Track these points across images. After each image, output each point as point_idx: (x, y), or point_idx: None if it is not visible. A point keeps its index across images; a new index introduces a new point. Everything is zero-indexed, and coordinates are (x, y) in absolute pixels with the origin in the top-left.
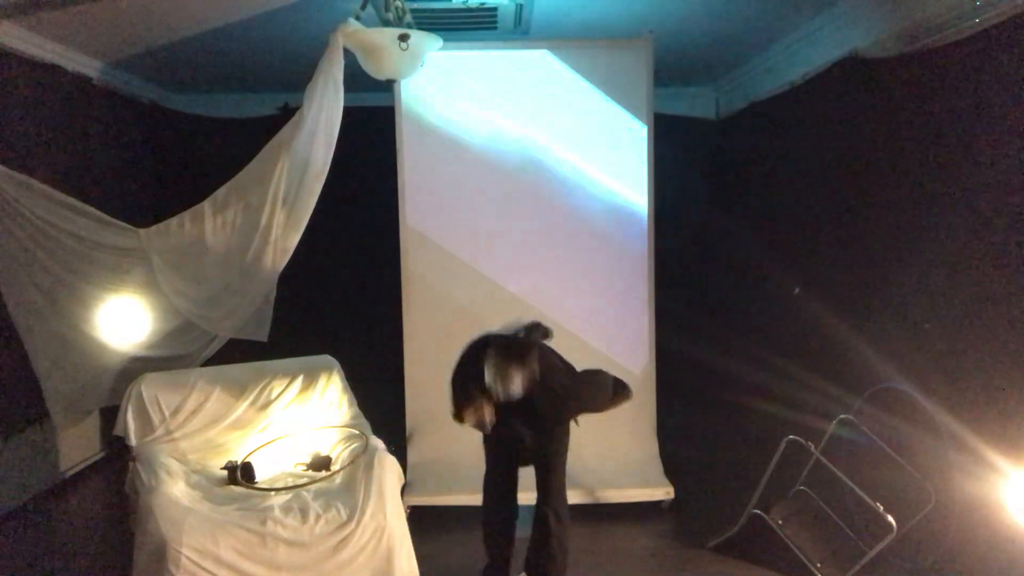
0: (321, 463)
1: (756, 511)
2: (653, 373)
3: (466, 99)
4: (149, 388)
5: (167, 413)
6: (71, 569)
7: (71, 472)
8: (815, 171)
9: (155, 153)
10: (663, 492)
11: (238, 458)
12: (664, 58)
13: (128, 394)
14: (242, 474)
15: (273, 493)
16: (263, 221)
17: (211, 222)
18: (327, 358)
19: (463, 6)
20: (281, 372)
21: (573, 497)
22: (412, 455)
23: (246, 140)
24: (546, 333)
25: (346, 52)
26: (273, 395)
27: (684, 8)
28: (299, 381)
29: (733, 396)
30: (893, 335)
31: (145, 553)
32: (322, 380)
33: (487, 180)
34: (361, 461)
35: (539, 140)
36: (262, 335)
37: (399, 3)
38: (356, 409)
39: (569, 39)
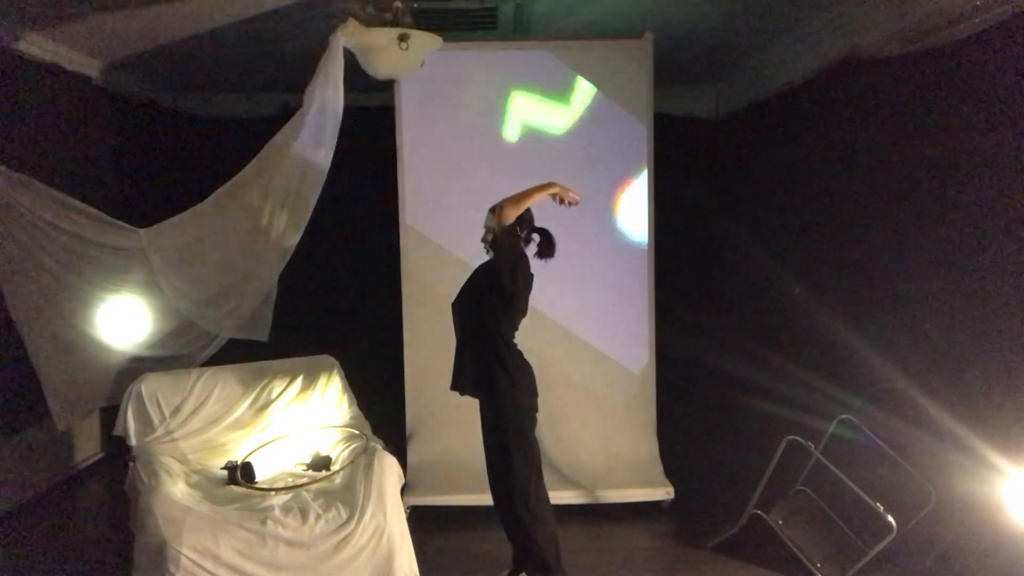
0: (321, 463)
1: (756, 511)
2: (653, 373)
3: (466, 99)
4: (149, 388)
5: (167, 413)
6: (71, 569)
7: (71, 472)
8: (815, 171)
9: (155, 153)
10: (663, 492)
11: (238, 458)
12: (664, 58)
13: (128, 394)
14: (242, 474)
15: (273, 493)
16: (263, 221)
17: (211, 222)
18: (327, 358)
19: (463, 6)
20: (281, 372)
21: (573, 497)
22: (412, 455)
23: (246, 140)
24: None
25: (346, 52)
26: (273, 395)
27: (684, 8)
28: (299, 381)
29: (733, 396)
30: (893, 335)
31: (145, 553)
32: (322, 380)
33: (487, 179)
34: (361, 461)
35: (538, 139)
36: (262, 335)
37: (399, 3)
38: (356, 409)
39: (569, 39)
